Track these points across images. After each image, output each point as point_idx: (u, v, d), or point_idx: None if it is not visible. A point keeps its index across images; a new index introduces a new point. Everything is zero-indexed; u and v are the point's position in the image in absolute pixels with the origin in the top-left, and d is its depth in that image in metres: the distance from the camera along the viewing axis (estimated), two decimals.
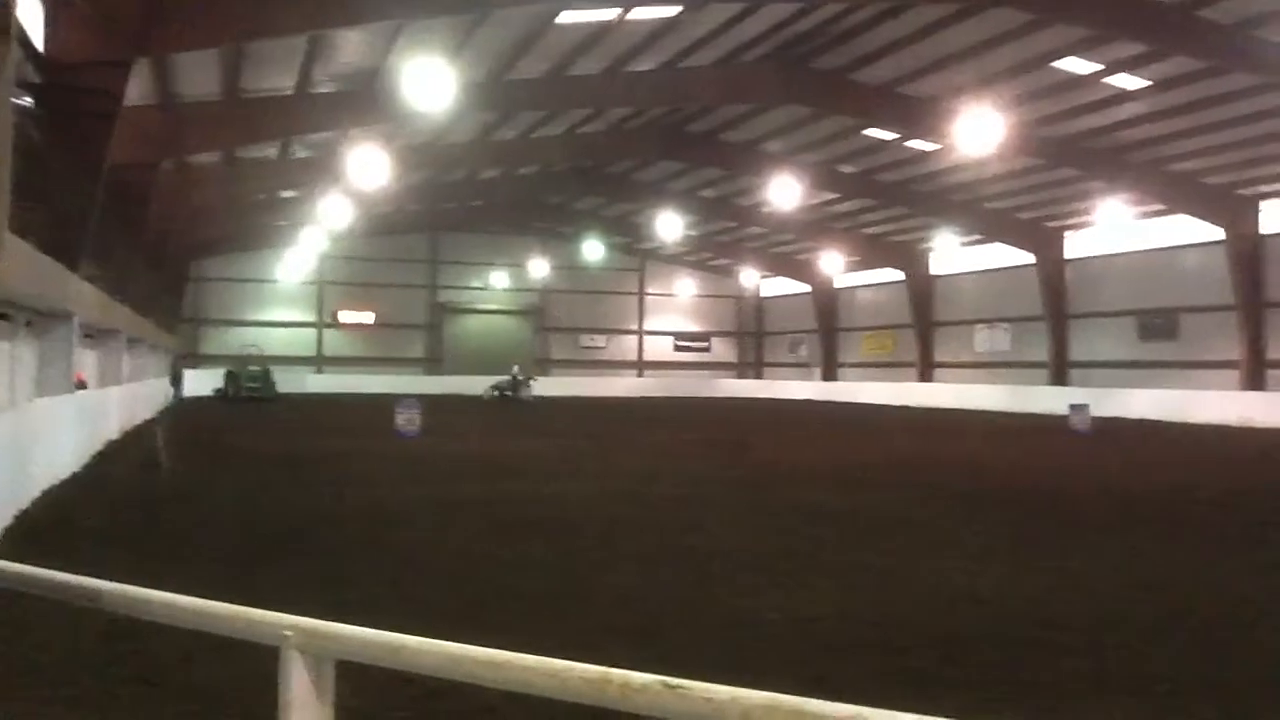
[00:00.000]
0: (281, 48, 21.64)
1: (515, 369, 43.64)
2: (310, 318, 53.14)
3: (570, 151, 36.01)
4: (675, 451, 20.57)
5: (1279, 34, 21.28)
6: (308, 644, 2.19)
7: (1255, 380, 32.01)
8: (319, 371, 51.68)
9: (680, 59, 26.51)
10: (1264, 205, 31.71)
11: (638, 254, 57.86)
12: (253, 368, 43.67)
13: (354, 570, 8.30)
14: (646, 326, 60.41)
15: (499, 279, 55.86)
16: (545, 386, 50.64)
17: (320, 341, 53.21)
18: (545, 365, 56.26)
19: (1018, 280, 41.32)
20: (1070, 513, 12.29)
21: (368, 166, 25.82)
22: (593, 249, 49.56)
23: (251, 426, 26.26)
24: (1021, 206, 37.97)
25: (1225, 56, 22.39)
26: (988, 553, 9.44)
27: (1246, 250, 31.91)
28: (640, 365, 59.75)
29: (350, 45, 22.80)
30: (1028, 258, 40.23)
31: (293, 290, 52.11)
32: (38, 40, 15.14)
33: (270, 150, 31.46)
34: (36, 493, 11.72)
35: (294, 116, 25.93)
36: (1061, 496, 13.79)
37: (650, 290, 60.23)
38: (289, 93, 24.93)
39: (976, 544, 9.95)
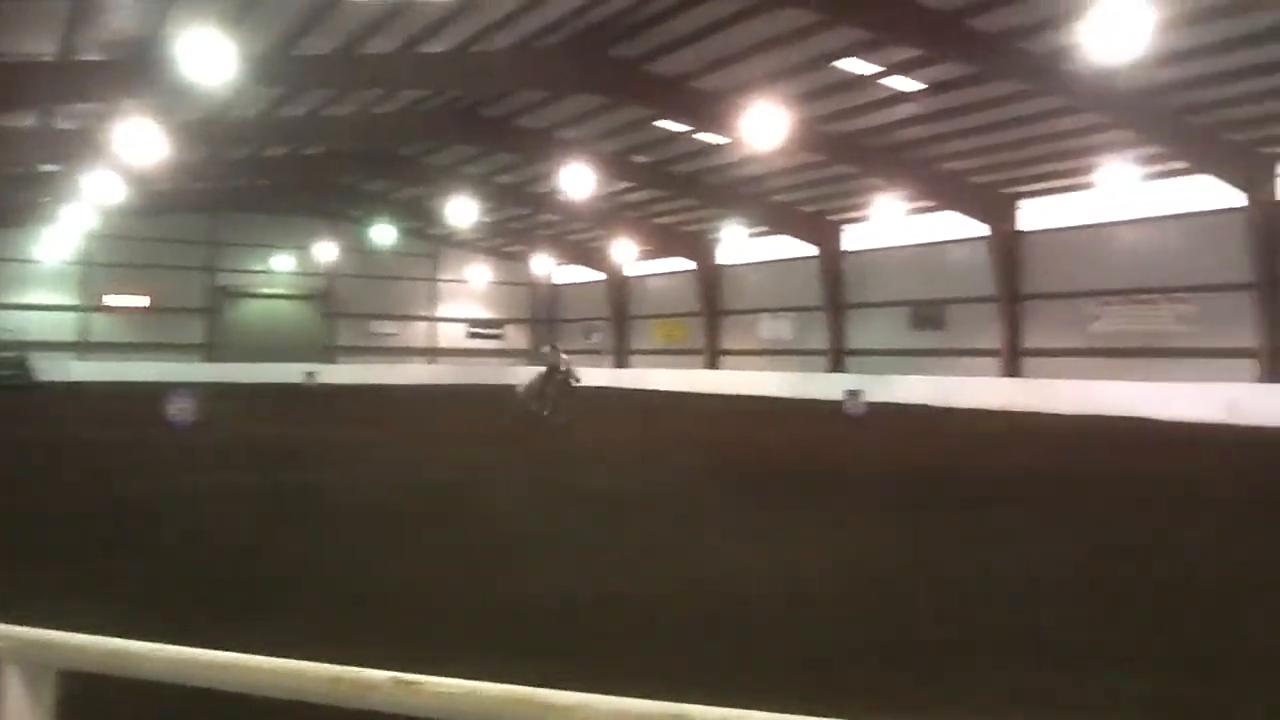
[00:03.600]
0: (41, 10, 20.21)
1: (546, 349, 28.57)
2: (74, 300, 49.66)
3: (361, 132, 35.05)
4: (465, 438, 20.48)
5: (1039, 45, 22.90)
6: (23, 653, 2.03)
7: (1012, 368, 34.51)
8: (84, 358, 48.38)
9: (475, 42, 26.22)
10: (1022, 204, 34.15)
11: (430, 239, 56.96)
12: (6, 354, 40.51)
13: (108, 568, 7.85)
14: (439, 313, 59.58)
15: (283, 262, 53.86)
16: (332, 375, 49.35)
17: (86, 326, 49.84)
18: (332, 352, 54.70)
19: (800, 271, 43.01)
20: (828, 490, 13.08)
21: (140, 141, 24.32)
22: (383, 233, 48.42)
23: (5, 416, 24.47)
24: (804, 200, 39.54)
25: (991, 63, 23.98)
26: (748, 531, 9.94)
27: (1006, 246, 34.32)
28: (433, 353, 58.88)
29: (119, 10, 21.49)
30: (810, 249, 41.93)
31: (55, 271, 48.51)
32: None
33: (28, 120, 29.29)
34: None
35: (54, 84, 24.16)
36: (824, 476, 14.64)
37: (443, 276, 59.43)
38: (49, 59, 23.28)
39: (741, 522, 10.45)
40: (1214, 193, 28.21)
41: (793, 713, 1.58)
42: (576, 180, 31.69)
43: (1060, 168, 30.83)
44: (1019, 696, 5.04)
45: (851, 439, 21.46)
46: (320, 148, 38.85)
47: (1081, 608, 7.05)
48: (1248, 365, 27.88)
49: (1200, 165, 27.72)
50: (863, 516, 11.02)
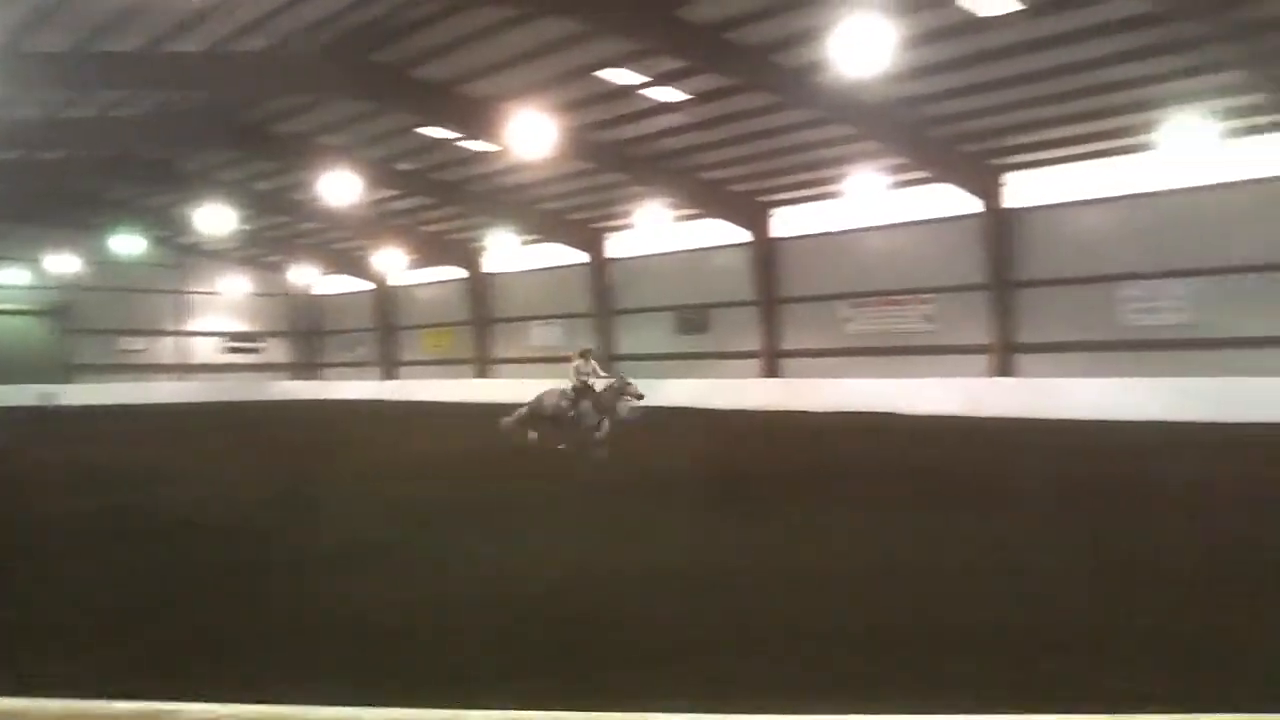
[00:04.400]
0: None
1: (577, 360, 19.29)
2: None
3: (102, 135, 32.97)
4: (230, 455, 19.66)
5: (792, 59, 24.10)
6: None
7: (772, 368, 36.09)
8: None
9: (228, 42, 25.19)
10: (778, 212, 35.78)
11: (182, 249, 53.92)
12: None
13: None
14: (192, 327, 56.57)
15: (14, 276, 49.78)
16: (75, 396, 46.04)
17: None
18: (72, 371, 50.93)
19: (570, 278, 43.44)
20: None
21: None
22: (129, 243, 45.47)
23: None
24: (573, 208, 39.98)
25: (747, 76, 25.06)
26: (512, 533, 10.14)
27: (765, 252, 35.86)
28: (186, 369, 55.79)
29: None
30: (580, 256, 42.43)
31: None
32: None
33: None
34: None
35: None
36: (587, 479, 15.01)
37: (195, 288, 56.39)
38: None
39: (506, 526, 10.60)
40: (953, 200, 30.41)
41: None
42: (339, 187, 30.92)
43: (813, 177, 32.46)
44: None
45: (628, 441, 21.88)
46: (57, 152, 36.18)
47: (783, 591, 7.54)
48: (983, 360, 30.22)
49: (940, 175, 29.83)
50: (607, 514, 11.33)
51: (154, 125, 32.71)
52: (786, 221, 35.83)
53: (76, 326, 52.01)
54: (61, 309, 51.70)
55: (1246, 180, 25.18)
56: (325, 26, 25.07)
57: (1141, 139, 25.41)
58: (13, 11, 21.46)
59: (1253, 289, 25.20)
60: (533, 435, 18.70)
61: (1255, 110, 23.29)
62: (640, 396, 18.37)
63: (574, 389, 18.46)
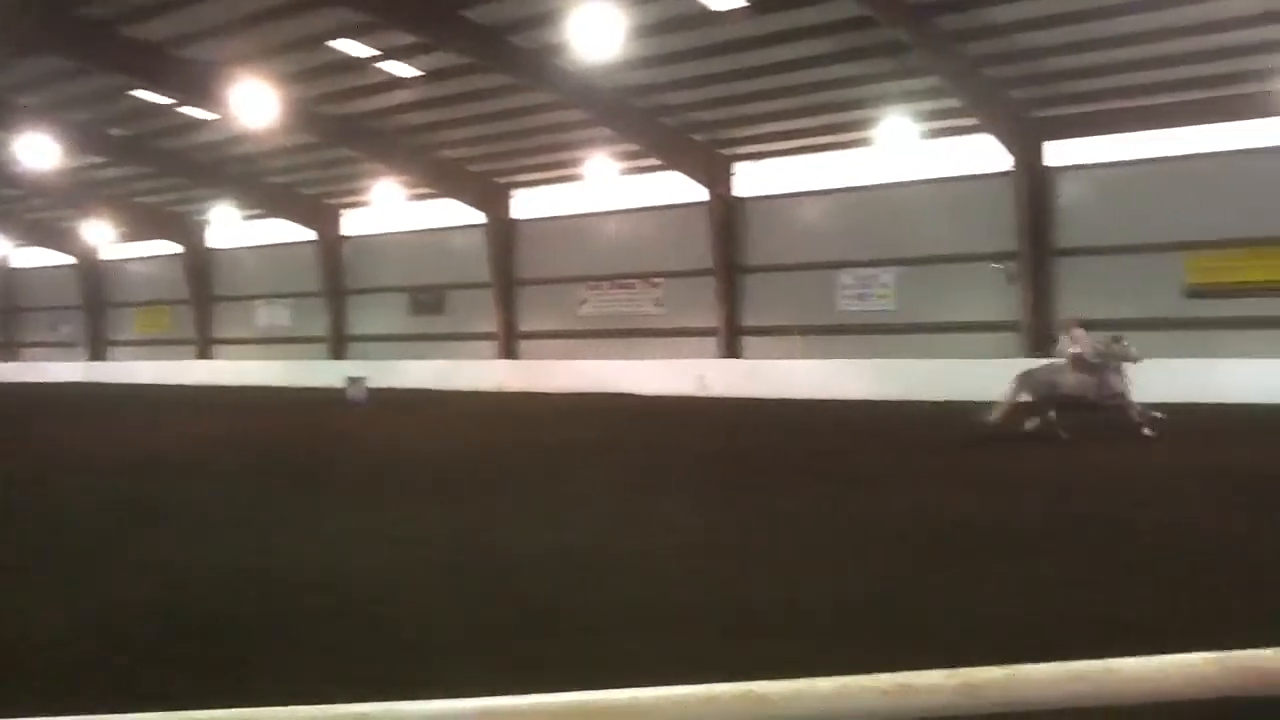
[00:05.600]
0: None
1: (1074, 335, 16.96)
2: None
3: None
4: None
5: (529, 41, 24.11)
6: None
7: (509, 350, 36.12)
8: None
9: None
10: (516, 194, 35.76)
11: None
12: None
13: None
14: None
15: None
16: None
17: None
18: None
19: (299, 256, 41.72)
20: (323, 479, 13.12)
21: None
22: None
23: None
24: (302, 183, 38.43)
25: (484, 55, 24.86)
26: (208, 525, 9.86)
27: (501, 234, 35.75)
28: None
29: None
30: (309, 234, 40.85)
31: None
32: None
33: None
34: None
35: None
36: (321, 464, 14.64)
37: None
38: None
39: (214, 516, 10.24)
40: (685, 188, 31.31)
41: None
42: (37, 151, 28.44)
43: (550, 160, 32.62)
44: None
45: (361, 425, 21.41)
46: None
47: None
48: (711, 343, 31.42)
49: (672, 162, 30.62)
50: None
51: None
52: (524, 203, 35.89)
53: None
54: None
55: (947, 178, 27.41)
56: None
57: (857, 135, 27.19)
58: None
59: (950, 278, 27.44)
60: (1032, 423, 16.31)
61: (954, 114, 25.29)
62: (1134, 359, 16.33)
63: (1064, 370, 16.37)
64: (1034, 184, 25.97)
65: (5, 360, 53.63)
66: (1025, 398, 16.56)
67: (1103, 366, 16.31)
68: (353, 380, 30.29)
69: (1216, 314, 23.87)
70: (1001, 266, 26.59)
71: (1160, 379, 22.12)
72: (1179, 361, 22.28)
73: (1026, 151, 25.82)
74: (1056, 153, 26.09)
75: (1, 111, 30.99)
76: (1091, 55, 22.36)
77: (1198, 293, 24.23)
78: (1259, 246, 23.38)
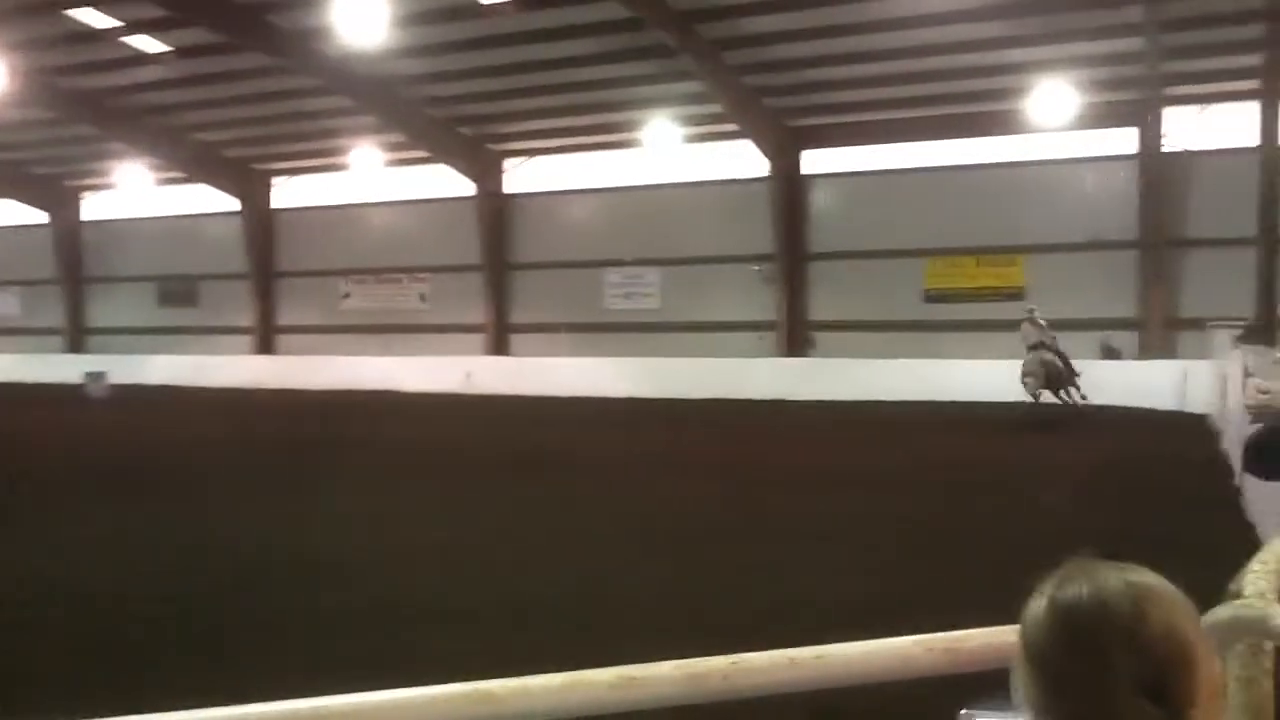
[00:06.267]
0: None
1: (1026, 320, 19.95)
2: None
3: None
4: None
5: (289, 21, 23.17)
6: None
7: (266, 344, 34.58)
8: None
9: None
10: (276, 182, 34.27)
11: None
12: None
13: None
14: None
15: None
16: None
17: None
18: None
19: (30, 240, 38.48)
20: (45, 480, 12.29)
21: None
22: None
23: None
24: (35, 161, 35.48)
25: (240, 34, 23.70)
26: None
27: (259, 223, 34.17)
28: None
29: None
30: (40, 216, 37.77)
31: None
32: None
33: None
34: None
35: None
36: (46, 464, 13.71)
37: None
38: None
39: None
40: (453, 182, 30.80)
41: None
42: None
43: (313, 147, 31.44)
44: None
45: (100, 424, 19.99)
46: None
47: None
48: (479, 339, 31.08)
49: (439, 155, 30.07)
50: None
51: None
52: (285, 192, 34.48)
53: None
54: None
55: (710, 181, 28.18)
56: None
57: (624, 136, 27.55)
58: None
59: (711, 279, 28.23)
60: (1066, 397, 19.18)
61: (717, 119, 26.02)
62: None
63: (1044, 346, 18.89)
64: (790, 190, 27.08)
65: None
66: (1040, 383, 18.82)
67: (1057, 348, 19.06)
68: (92, 375, 28.27)
69: (949, 317, 25.58)
70: (759, 268, 27.57)
71: (897, 378, 23.73)
72: (915, 362, 23.90)
73: (784, 158, 26.87)
74: (812, 161, 27.32)
75: None
76: (847, 69, 23.58)
77: (933, 297, 25.95)
78: (986, 255, 25.25)
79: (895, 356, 24.82)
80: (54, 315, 38.37)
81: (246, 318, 34.68)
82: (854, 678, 1.64)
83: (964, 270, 25.60)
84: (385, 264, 32.64)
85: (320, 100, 27.46)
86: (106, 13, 23.50)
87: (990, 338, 23.64)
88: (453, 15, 22.28)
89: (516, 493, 11.11)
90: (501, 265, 30.96)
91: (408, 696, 1.45)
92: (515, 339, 31.20)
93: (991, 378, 21.72)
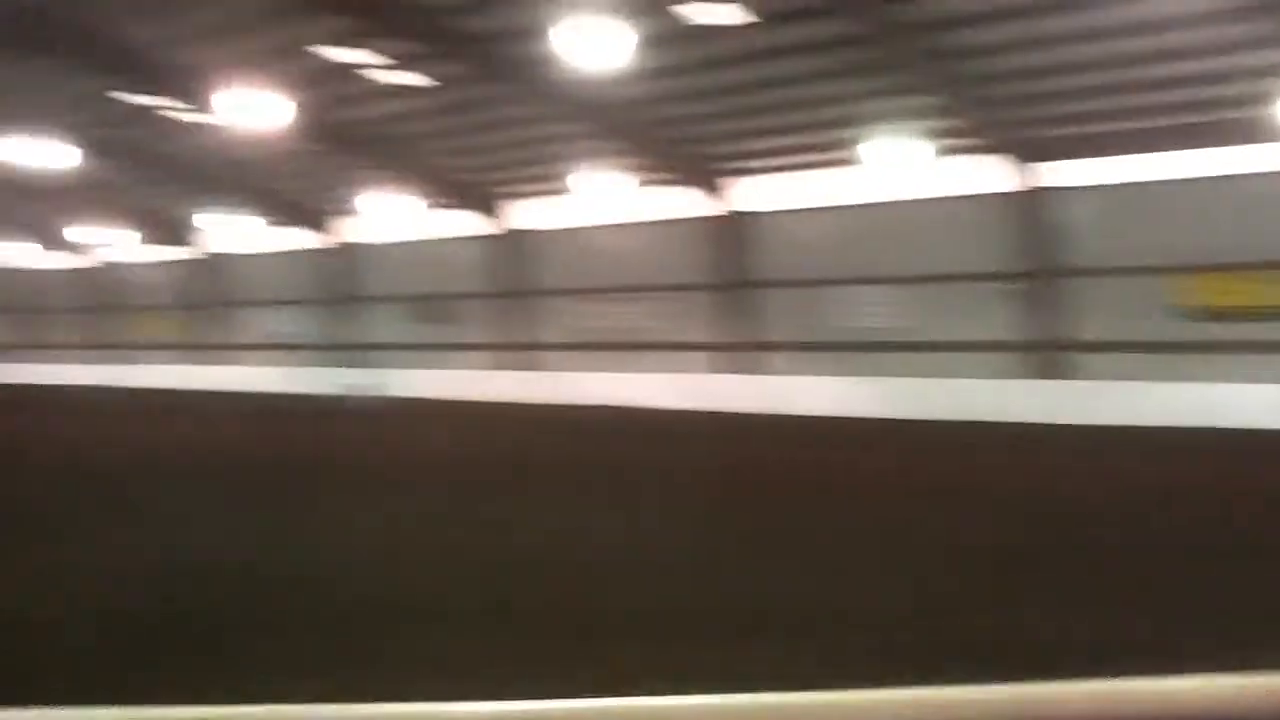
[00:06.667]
0: None
1: None
2: None
3: None
4: None
5: (523, 50, 23.55)
6: None
7: (511, 361, 35.52)
8: None
9: None
10: (516, 204, 35.17)
11: None
12: None
13: None
14: None
15: None
16: None
17: None
18: None
19: (304, 263, 41.40)
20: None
21: None
22: None
23: None
24: (306, 191, 37.92)
25: (482, 65, 24.47)
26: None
27: (505, 244, 35.32)
28: None
29: None
30: (314, 241, 40.43)
31: None
32: None
33: None
34: None
35: None
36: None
37: None
38: None
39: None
40: (688, 202, 30.74)
41: None
42: (30, 151, 28.20)
43: (552, 171, 31.41)
44: None
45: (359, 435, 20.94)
46: None
47: None
48: (714, 358, 30.80)
49: (675, 177, 30.01)
50: None
51: None
52: (529, 215, 35.28)
53: None
54: None
55: (950, 196, 26.71)
56: None
57: (858, 152, 26.32)
58: None
59: (950, 296, 26.76)
60: None
61: (956, 133, 24.63)
62: None
63: None
64: (1037, 204, 25.39)
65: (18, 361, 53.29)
66: None
67: None
68: (354, 387, 29.78)
69: (1226, 337, 23.16)
70: (1006, 285, 25.95)
71: (1170, 401, 21.68)
72: (1189, 385, 21.93)
73: (1028, 171, 25.29)
74: (1059, 173, 25.40)
75: None
76: (1088, 77, 21.68)
77: (1197, 315, 23.50)
78: (1256, 270, 22.66)
79: (1158, 378, 22.82)
80: (323, 331, 41.01)
81: (495, 334, 35.74)
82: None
83: (1229, 286, 23.03)
84: (619, 282, 32.84)
85: (558, 126, 27.96)
86: (361, 50, 24.65)
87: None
88: (681, 39, 22.02)
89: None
90: (736, 283, 30.56)
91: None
92: (751, 357, 30.66)
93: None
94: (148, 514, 10.54)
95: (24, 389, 43.18)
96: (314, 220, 39.81)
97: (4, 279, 53.96)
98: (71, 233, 44.66)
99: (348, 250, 40.41)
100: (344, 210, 39.31)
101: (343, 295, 40.47)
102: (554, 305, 34.65)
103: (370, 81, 26.53)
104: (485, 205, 34.89)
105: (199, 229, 43.57)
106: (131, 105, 29.77)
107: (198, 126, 30.91)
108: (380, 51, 24.68)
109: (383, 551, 8.93)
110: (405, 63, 25.21)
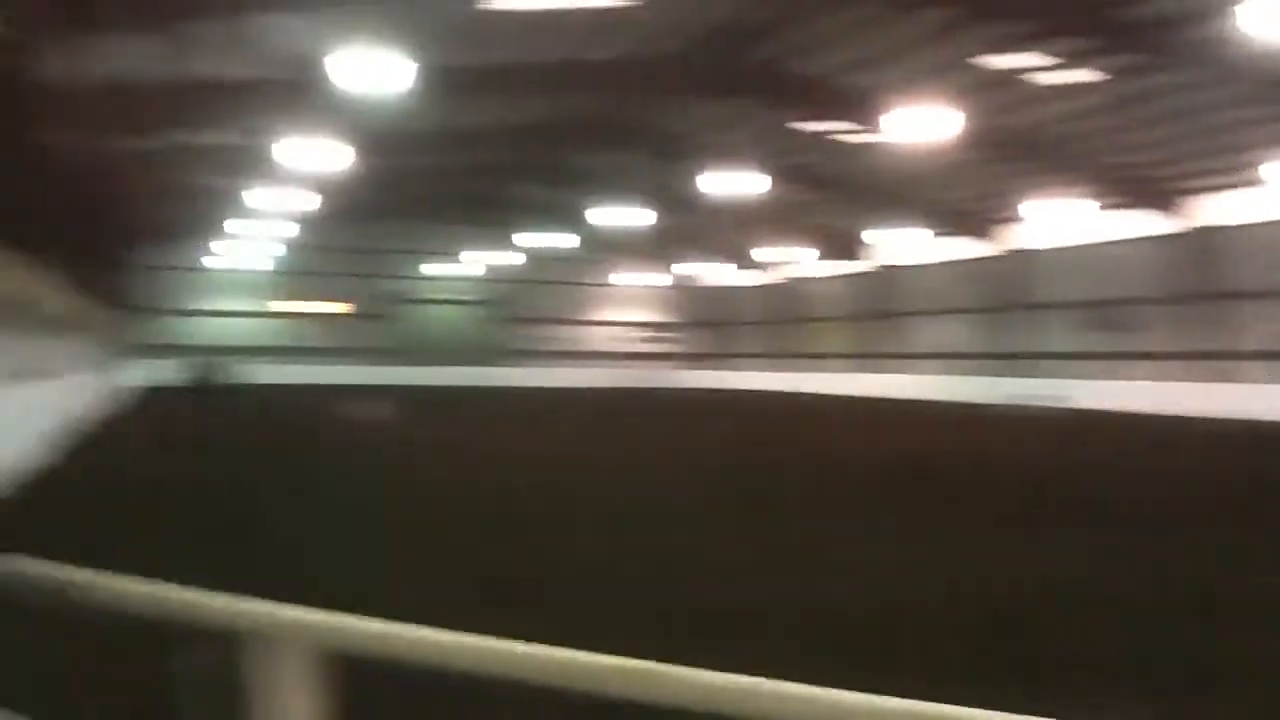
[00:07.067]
0: (224, 33, 21.52)
1: None
2: (271, 307, 52.76)
3: (529, 140, 35.93)
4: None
5: (1198, 33, 21.60)
6: (296, 633, 2.08)
7: (1214, 372, 32.42)
8: (277, 361, 51.16)
9: (632, 49, 26.59)
10: (1201, 199, 32.07)
11: (600, 244, 57.63)
12: (212, 358, 43.59)
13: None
14: (610, 317, 60.38)
15: (453, 269, 55.71)
16: (503, 379, 50.30)
17: (279, 331, 52.82)
18: (507, 356, 56.21)
19: (970, 272, 41.70)
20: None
21: (319, 155, 25.55)
22: (551, 239, 49.46)
23: (209, 417, 26.12)
24: (969, 198, 38.12)
25: (1155, 54, 22.69)
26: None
27: (1192, 244, 32.33)
28: (605, 356, 59.56)
29: (291, 31, 22.70)
30: (981, 248, 40.52)
31: (246, 278, 51.72)
32: None
33: (219, 137, 31.26)
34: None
35: (238, 103, 25.80)
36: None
37: (613, 280, 60.00)
38: (232, 78, 24.79)
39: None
40: None
41: None
42: (738, 183, 31.62)
43: (1233, 161, 28.53)
44: None
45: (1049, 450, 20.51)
46: (494, 156, 40.09)
47: None
48: None
49: None
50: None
51: (572, 129, 35.12)
52: (1216, 210, 31.84)
53: (506, 315, 57.38)
54: (493, 300, 57.28)
55: None
56: (718, 31, 25.79)
57: None
58: (446, 30, 23.87)
59: None
60: None
61: None
62: None
63: None
64: None
65: (717, 368, 60.16)
66: None
67: None
68: (1030, 397, 29.24)
69: None
70: None
71: None
72: None
73: None
74: None
75: (710, 149, 35.03)
76: None
77: None
78: None
79: None
80: (991, 340, 40.90)
81: (1178, 342, 32.93)
82: None
83: None
84: None
85: (1241, 111, 25.06)
86: (1025, 53, 24.36)
87: None
88: None
89: None
90: None
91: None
92: None
93: None
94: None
95: (744, 394, 48.36)
96: (980, 229, 39.91)
97: (707, 296, 61.55)
98: (759, 253, 49.58)
99: (1016, 257, 39.88)
100: (1011, 217, 38.87)
101: (1011, 303, 39.99)
102: (1252, 309, 30.87)
103: (1036, 84, 26.08)
104: (1164, 202, 32.31)
105: (870, 243, 45.86)
106: (808, 133, 32.40)
107: (867, 146, 32.72)
108: (1046, 52, 24.17)
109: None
110: (1072, 60, 24.39)
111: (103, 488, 12.48)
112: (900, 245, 43.51)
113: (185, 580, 2.26)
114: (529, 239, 49.84)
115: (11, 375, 14.23)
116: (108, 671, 4.50)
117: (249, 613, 2.13)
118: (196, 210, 41.81)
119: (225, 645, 2.03)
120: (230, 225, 44.04)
